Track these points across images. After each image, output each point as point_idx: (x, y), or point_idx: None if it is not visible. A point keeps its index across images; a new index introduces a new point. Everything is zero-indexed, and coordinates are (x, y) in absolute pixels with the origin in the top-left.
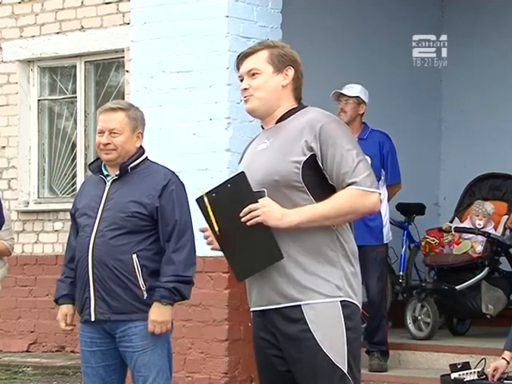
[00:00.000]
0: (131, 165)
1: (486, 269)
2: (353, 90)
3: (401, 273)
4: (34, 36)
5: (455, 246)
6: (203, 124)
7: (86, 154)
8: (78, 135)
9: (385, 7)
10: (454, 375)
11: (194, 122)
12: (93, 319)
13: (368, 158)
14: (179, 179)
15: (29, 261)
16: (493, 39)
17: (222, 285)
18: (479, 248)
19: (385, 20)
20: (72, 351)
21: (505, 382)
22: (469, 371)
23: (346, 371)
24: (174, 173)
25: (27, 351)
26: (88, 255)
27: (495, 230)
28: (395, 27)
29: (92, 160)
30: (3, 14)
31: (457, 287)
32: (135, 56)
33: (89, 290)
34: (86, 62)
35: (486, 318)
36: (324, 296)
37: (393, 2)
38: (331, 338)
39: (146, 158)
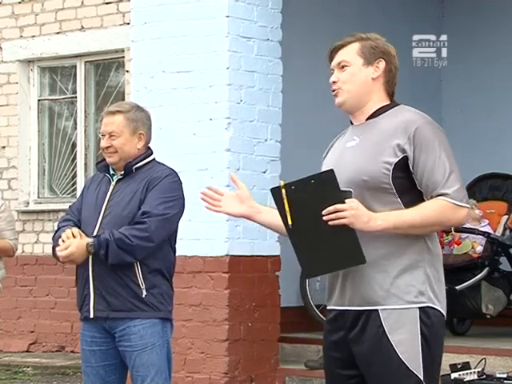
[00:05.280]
0: (136, 165)
1: (486, 269)
2: None
3: None
4: (34, 36)
5: (455, 246)
6: (203, 124)
7: (86, 154)
8: (78, 135)
9: (385, 7)
10: (454, 375)
11: (194, 122)
12: (91, 316)
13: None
14: (177, 175)
15: (29, 261)
16: (493, 39)
17: (222, 285)
18: (479, 248)
19: (385, 20)
20: (72, 351)
21: (505, 382)
22: (469, 371)
23: (421, 378)
24: (173, 170)
25: (27, 351)
26: None
27: (493, 229)
28: (395, 27)
29: (94, 160)
30: (3, 14)
31: (457, 287)
32: (135, 56)
33: (88, 287)
34: (86, 62)
35: (486, 317)
36: (404, 302)
37: (393, 2)
38: (407, 343)
39: (154, 159)
